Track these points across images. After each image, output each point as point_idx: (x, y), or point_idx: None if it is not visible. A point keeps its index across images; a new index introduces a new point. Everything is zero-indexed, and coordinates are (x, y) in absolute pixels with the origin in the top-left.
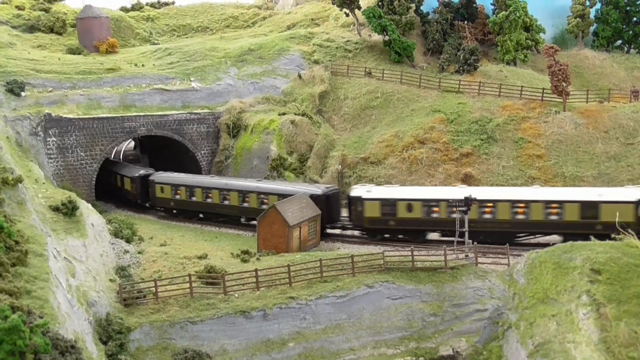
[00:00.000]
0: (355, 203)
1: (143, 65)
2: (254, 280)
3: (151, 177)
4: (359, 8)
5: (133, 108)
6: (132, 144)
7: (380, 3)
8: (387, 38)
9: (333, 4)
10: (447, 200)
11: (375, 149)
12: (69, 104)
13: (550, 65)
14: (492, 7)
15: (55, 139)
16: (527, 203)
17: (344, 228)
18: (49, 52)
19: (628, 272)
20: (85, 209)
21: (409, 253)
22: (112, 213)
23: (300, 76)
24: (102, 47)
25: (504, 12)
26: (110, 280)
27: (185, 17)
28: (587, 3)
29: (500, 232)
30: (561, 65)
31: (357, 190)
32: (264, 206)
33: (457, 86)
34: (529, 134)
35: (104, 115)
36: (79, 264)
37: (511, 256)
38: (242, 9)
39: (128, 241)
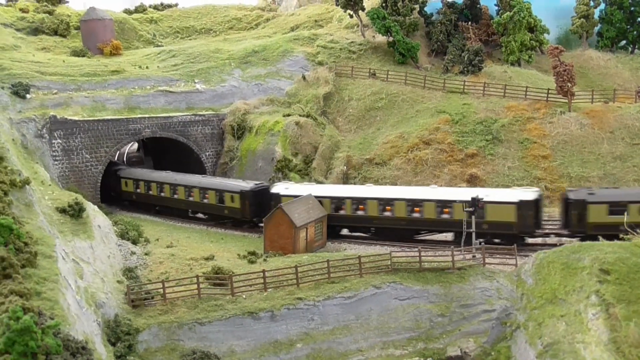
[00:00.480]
0: (274, 199)
1: (147, 67)
2: (262, 281)
3: (118, 172)
4: (363, 9)
5: (138, 110)
6: (136, 145)
7: (384, 4)
8: (391, 39)
9: (337, 5)
10: (351, 198)
11: (381, 150)
12: (74, 106)
13: (555, 65)
14: (496, 7)
15: (60, 141)
16: (421, 202)
17: None
18: (53, 55)
19: (637, 272)
20: (92, 210)
21: (417, 254)
22: (118, 214)
23: (304, 77)
24: (106, 49)
25: (508, 13)
26: (118, 281)
27: (188, 19)
28: (592, 3)
29: (400, 228)
30: (566, 65)
31: (276, 187)
32: (205, 200)
33: (462, 87)
34: (534, 135)
35: (109, 117)
36: (86, 266)
37: (519, 257)
38: (245, 11)
39: (134, 243)
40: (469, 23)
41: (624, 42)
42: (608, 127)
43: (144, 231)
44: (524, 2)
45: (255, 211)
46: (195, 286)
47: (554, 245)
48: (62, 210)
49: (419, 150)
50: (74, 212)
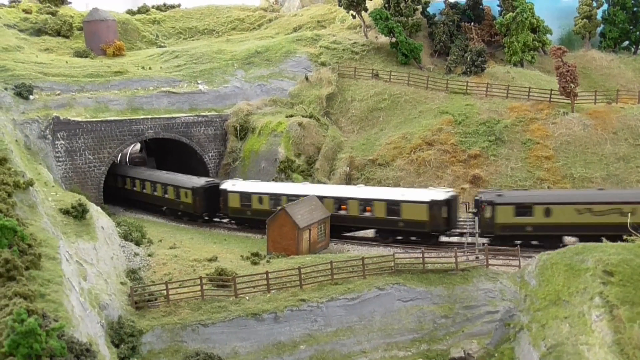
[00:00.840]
0: (223, 195)
1: (150, 68)
2: (265, 282)
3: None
4: (366, 10)
5: (141, 111)
6: (138, 146)
7: (386, 5)
8: (394, 40)
9: (339, 5)
10: (287, 195)
11: (383, 151)
12: (77, 107)
13: (558, 66)
14: (499, 8)
15: (63, 142)
16: (346, 200)
17: (221, 218)
18: (56, 56)
19: None
20: (95, 211)
21: (420, 255)
22: (121, 215)
23: (307, 78)
24: (109, 50)
25: (510, 14)
26: (121, 283)
27: (191, 19)
28: (594, 4)
29: (330, 225)
30: (569, 66)
31: (225, 184)
32: (167, 195)
33: (465, 88)
34: (537, 135)
35: (112, 118)
36: (90, 267)
37: (522, 258)
38: (247, 12)
39: (137, 244)
40: (472, 24)
41: (626, 42)
42: (611, 127)
43: (147, 232)
44: (527, 2)
45: (205, 206)
46: (199, 287)
47: (472, 244)
48: (66, 212)
49: (422, 151)
50: (78, 214)
